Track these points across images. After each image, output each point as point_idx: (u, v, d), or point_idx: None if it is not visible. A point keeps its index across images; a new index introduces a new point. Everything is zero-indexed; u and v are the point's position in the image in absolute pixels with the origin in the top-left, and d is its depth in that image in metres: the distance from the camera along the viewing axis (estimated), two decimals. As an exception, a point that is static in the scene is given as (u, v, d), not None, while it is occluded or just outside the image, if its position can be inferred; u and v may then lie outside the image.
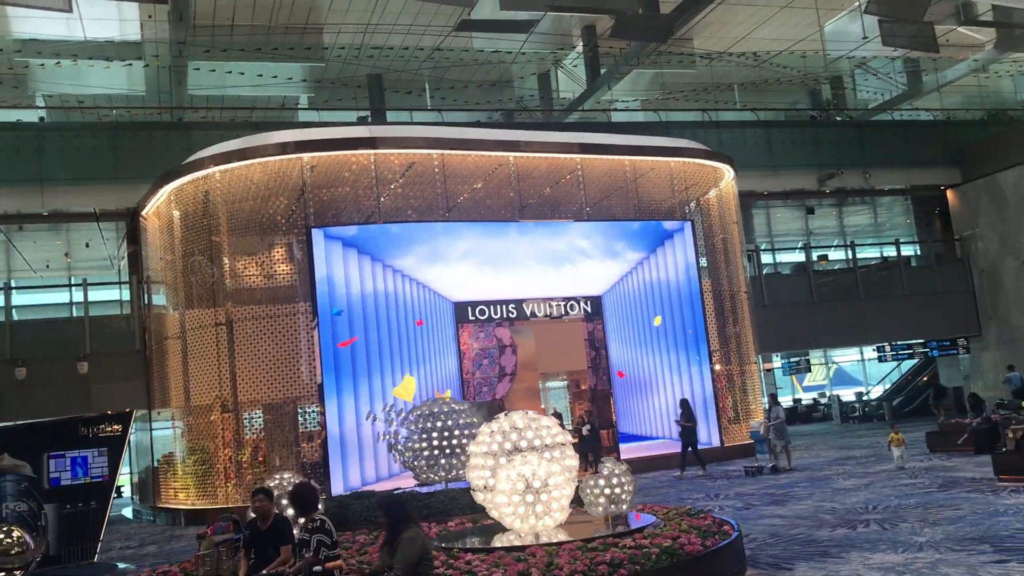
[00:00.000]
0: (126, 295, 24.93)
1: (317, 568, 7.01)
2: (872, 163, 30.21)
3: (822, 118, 33.26)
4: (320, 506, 7.91)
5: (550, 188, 22.55)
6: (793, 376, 42.17)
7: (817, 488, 15.53)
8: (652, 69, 31.57)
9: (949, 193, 31.99)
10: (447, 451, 11.97)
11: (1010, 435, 14.60)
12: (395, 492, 11.05)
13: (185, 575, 8.83)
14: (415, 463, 12.11)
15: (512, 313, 21.82)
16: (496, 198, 21.99)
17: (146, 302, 23.11)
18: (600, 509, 9.35)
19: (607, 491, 9.28)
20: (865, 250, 36.53)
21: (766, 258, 33.87)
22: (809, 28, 28.88)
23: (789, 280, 31.21)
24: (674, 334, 23.05)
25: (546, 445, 8.98)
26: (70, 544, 13.71)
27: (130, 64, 26.44)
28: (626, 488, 9.35)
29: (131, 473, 24.58)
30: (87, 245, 26.42)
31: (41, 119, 26.31)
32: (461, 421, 12.16)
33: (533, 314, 21.91)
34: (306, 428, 19.35)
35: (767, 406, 20.43)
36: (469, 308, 21.65)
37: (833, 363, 44.89)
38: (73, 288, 26.32)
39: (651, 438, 23.29)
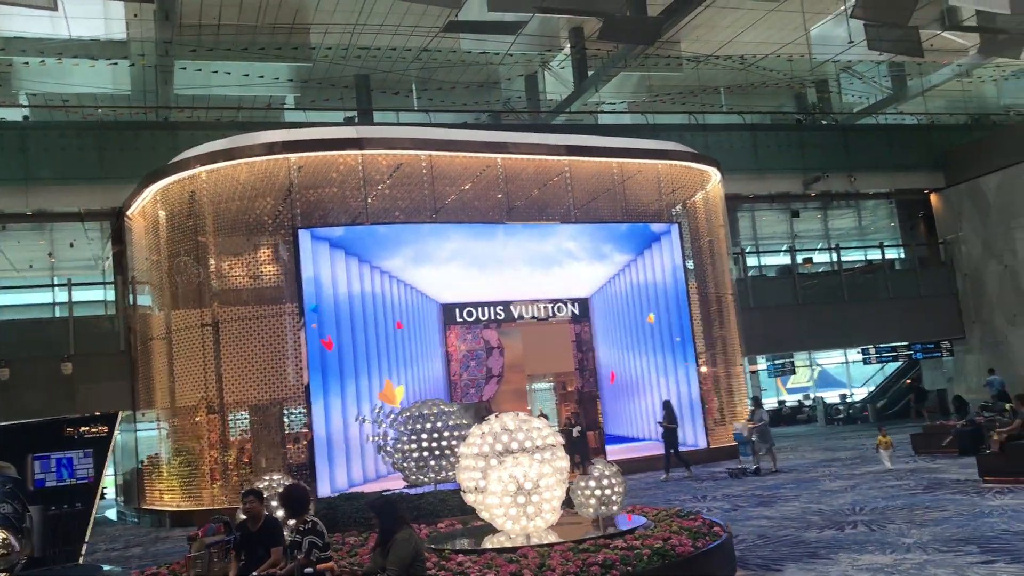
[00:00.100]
0: (111, 295, 24.77)
1: (308, 570, 6.99)
2: (857, 167, 30.39)
3: (808, 122, 33.43)
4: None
5: (538, 190, 22.57)
6: (777, 378, 42.35)
7: (804, 489, 15.59)
8: (639, 71, 31.64)
9: (933, 197, 32.21)
10: (436, 452, 11.95)
11: (995, 437, 14.71)
12: (385, 493, 11.02)
13: (174, 577, 8.77)
14: (404, 464, 12.08)
15: (500, 315, 21.82)
16: (484, 200, 21.98)
17: (131, 302, 22.96)
18: (591, 510, 9.35)
19: (598, 492, 9.29)
20: (850, 253, 36.74)
21: (751, 261, 33.98)
22: (795, 32, 29.02)
23: (774, 283, 31.35)
24: (661, 336, 23.11)
25: (537, 447, 9.00)
26: (55, 546, 13.57)
27: (115, 63, 26.27)
28: (616, 490, 9.36)
29: (115, 475, 24.41)
30: (71, 245, 26.23)
31: (25, 118, 26.14)
32: (451, 423, 12.14)
33: (520, 316, 21.91)
34: (292, 430, 19.28)
35: (751, 408, 20.52)
36: (457, 310, 21.64)
37: (817, 365, 45.10)
38: (57, 288, 26.13)
39: (638, 440, 23.32)
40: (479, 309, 21.69)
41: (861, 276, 32.83)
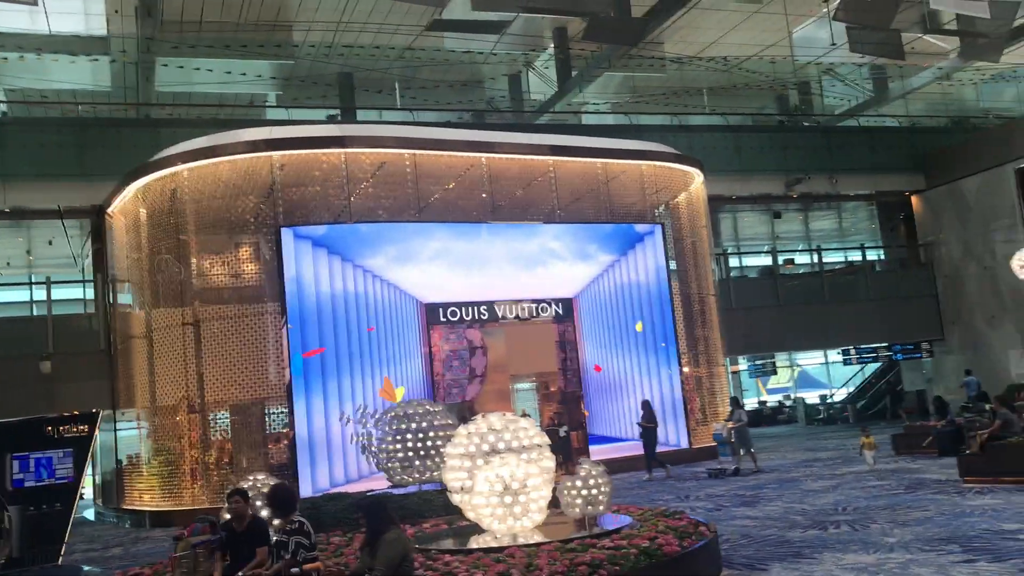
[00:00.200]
0: (90, 294, 24.54)
1: (295, 570, 6.94)
2: (838, 168, 30.57)
3: (790, 123, 33.59)
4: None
5: (522, 190, 22.55)
6: (758, 379, 42.55)
7: (786, 489, 15.66)
8: (623, 72, 31.68)
9: (914, 199, 32.46)
10: (421, 452, 11.90)
11: (976, 438, 14.84)
12: (369, 494, 10.97)
13: (157, 577, 8.69)
14: (389, 465, 12.03)
15: (483, 315, 21.79)
16: (468, 199, 21.94)
17: (111, 301, 22.76)
18: (577, 510, 9.34)
19: (584, 492, 9.28)
20: (831, 254, 36.95)
21: (733, 262, 34.11)
22: (778, 34, 29.12)
23: (756, 283, 31.49)
24: (644, 337, 23.14)
25: (524, 446, 8.98)
26: (34, 547, 13.44)
27: (96, 59, 26.03)
28: (603, 489, 9.36)
29: (93, 474, 24.20)
30: (50, 243, 25.99)
31: (4, 114, 25.85)
32: (436, 423, 12.10)
33: (504, 316, 21.88)
34: (273, 430, 19.18)
35: (730, 408, 20.61)
36: (440, 309, 21.59)
37: (797, 366, 45.33)
38: (35, 286, 25.86)
39: (621, 440, 23.34)
40: (463, 309, 21.65)
41: (842, 277, 33.04)
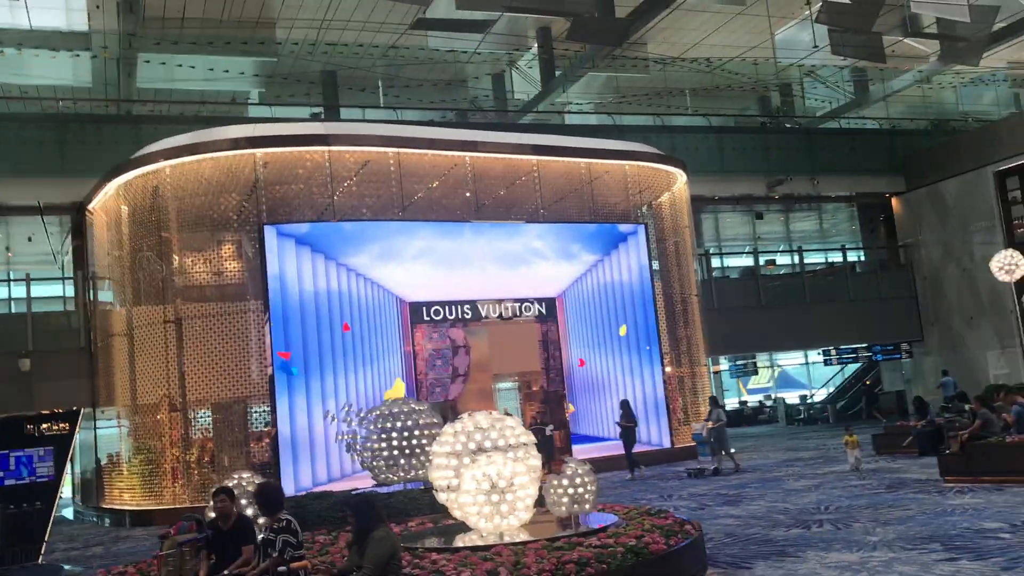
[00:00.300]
0: (70, 291, 24.34)
1: (282, 568, 6.91)
2: (820, 170, 30.75)
3: (772, 125, 33.76)
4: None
5: (506, 189, 22.56)
6: (738, 379, 42.78)
7: (768, 489, 15.74)
8: (606, 72, 31.76)
9: (894, 201, 32.71)
10: (407, 451, 11.89)
11: (956, 437, 14.97)
12: (355, 492, 10.95)
13: (142, 576, 8.64)
14: (374, 463, 12.01)
15: (467, 314, 21.77)
16: (452, 198, 21.93)
17: (92, 298, 22.58)
18: (563, 509, 9.36)
19: (571, 491, 9.30)
20: (812, 255, 37.17)
21: (714, 262, 34.27)
22: (760, 36, 29.27)
23: (738, 284, 31.62)
24: (627, 336, 23.18)
25: (510, 445, 8.98)
26: (14, 545, 13.36)
27: (77, 55, 25.82)
28: (589, 488, 9.38)
29: (72, 473, 24.00)
30: (30, 239, 25.74)
31: (-18, 109, 25.59)
32: (421, 421, 12.09)
33: (487, 315, 21.88)
34: (255, 428, 19.09)
35: (709, 408, 20.69)
36: (423, 308, 21.56)
37: (777, 366, 45.60)
38: (14, 283, 25.60)
39: (604, 439, 23.37)
40: (446, 308, 21.63)
41: (823, 278, 33.25)
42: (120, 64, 25.84)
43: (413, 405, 12.42)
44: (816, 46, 26.98)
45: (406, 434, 11.97)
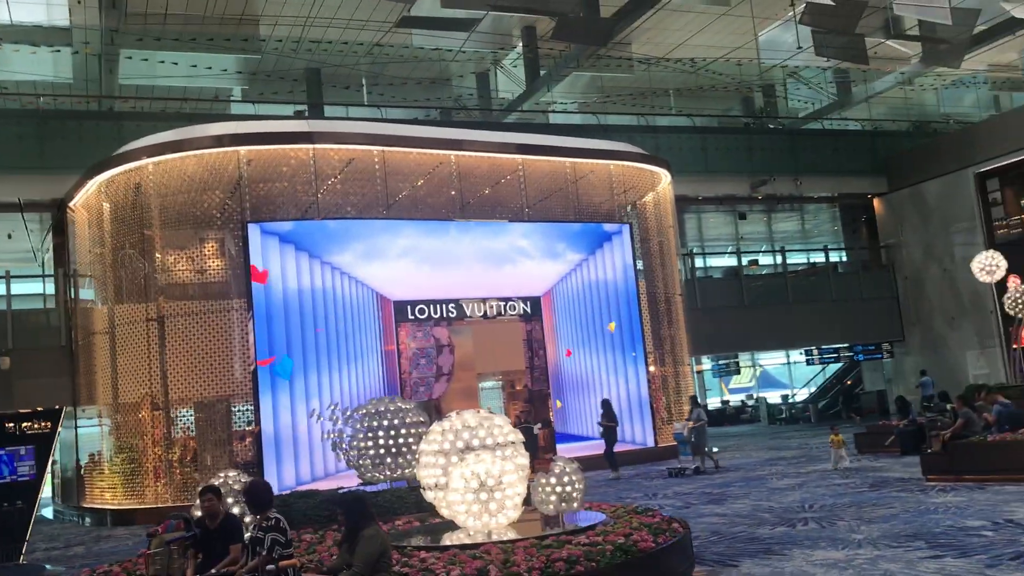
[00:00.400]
0: (51, 289, 24.11)
1: (271, 567, 6.86)
2: (803, 171, 30.94)
3: (755, 126, 33.91)
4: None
5: (491, 188, 22.54)
6: (720, 378, 42.94)
7: (752, 488, 15.79)
8: (590, 72, 31.81)
9: (875, 201, 32.94)
10: (393, 450, 11.85)
11: (938, 437, 15.07)
12: (342, 491, 10.90)
13: (128, 575, 8.55)
14: (360, 462, 11.96)
15: (452, 313, 21.75)
16: (437, 196, 21.90)
17: (72, 296, 22.38)
18: (551, 507, 9.35)
19: (559, 489, 9.29)
20: (794, 256, 37.36)
21: (697, 262, 34.38)
22: (744, 37, 29.40)
23: (721, 284, 31.75)
24: (612, 335, 23.21)
25: (498, 443, 8.97)
26: (-6, 545, 13.23)
27: (58, 50, 25.60)
28: (577, 487, 9.37)
29: (52, 472, 23.77)
30: (9, 236, 25.50)
31: (-38, 105, 25.35)
32: (407, 420, 12.05)
33: (472, 314, 21.86)
34: (239, 427, 18.99)
35: (689, 408, 20.75)
36: (408, 307, 21.51)
37: (759, 366, 45.81)
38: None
39: (588, 438, 23.41)
40: (431, 306, 21.60)
41: (805, 278, 33.43)
42: (102, 60, 25.65)
43: (399, 404, 12.38)
44: (800, 47, 27.10)
45: (392, 433, 11.93)
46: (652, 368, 23.32)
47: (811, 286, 32.16)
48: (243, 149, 19.01)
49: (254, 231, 18.77)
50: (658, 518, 9.39)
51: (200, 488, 8.24)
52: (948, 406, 18.24)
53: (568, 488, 9.33)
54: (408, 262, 20.64)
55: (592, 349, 23.62)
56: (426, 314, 21.56)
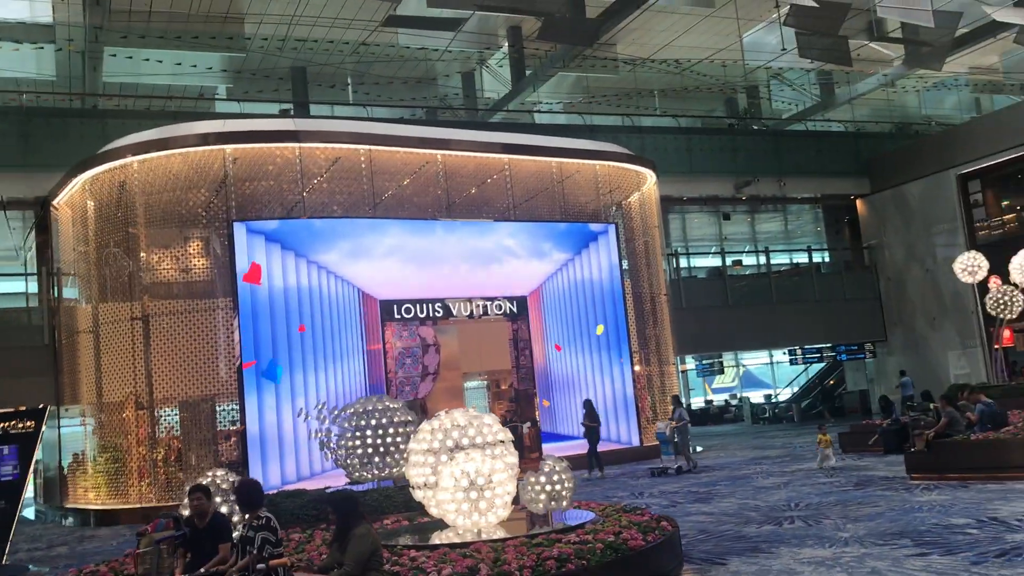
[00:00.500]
0: (33, 287, 23.93)
1: (261, 566, 6.85)
2: (786, 172, 31.12)
3: (739, 127, 34.07)
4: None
5: (477, 187, 22.54)
6: (703, 378, 43.10)
7: (738, 487, 15.86)
8: (576, 72, 31.87)
9: (858, 202, 33.16)
10: (381, 449, 11.84)
11: (921, 435, 15.20)
12: (327, 490, 10.89)
13: (115, 575, 8.51)
14: (348, 461, 11.94)
15: (438, 312, 21.74)
16: (423, 195, 21.87)
17: (56, 295, 22.21)
18: (540, 506, 9.37)
19: (548, 488, 9.31)
20: (778, 256, 37.55)
21: (682, 262, 34.51)
22: (729, 38, 29.53)
23: (705, 284, 31.87)
24: (598, 335, 23.25)
25: (488, 442, 8.98)
26: (-23, 546, 13.10)
27: (41, 47, 25.42)
28: (566, 485, 9.40)
29: (34, 472, 23.57)
30: (-9, 234, 25.34)
31: (-57, 101, 25.12)
32: (395, 419, 12.05)
33: (458, 313, 21.86)
34: (225, 427, 18.90)
35: (672, 407, 20.81)
36: (394, 306, 21.48)
37: (742, 366, 46.01)
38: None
39: (574, 438, 23.46)
40: (417, 306, 21.58)
41: (788, 279, 33.62)
42: (85, 57, 25.49)
43: (387, 403, 12.37)
44: (784, 49, 27.26)
45: (380, 432, 11.92)
46: (637, 367, 23.39)
47: (794, 286, 32.35)
48: (229, 147, 18.94)
49: (240, 230, 18.70)
50: (647, 516, 9.44)
51: (189, 487, 8.20)
52: (931, 405, 18.38)
53: (557, 487, 9.36)
54: (394, 261, 20.62)
55: (578, 348, 23.67)
56: (412, 313, 21.55)
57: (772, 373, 43.14)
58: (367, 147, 20.06)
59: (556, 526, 9.02)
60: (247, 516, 7.14)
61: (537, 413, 22.83)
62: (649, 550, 8.23)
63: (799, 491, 14.50)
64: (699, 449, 23.83)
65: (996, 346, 23.51)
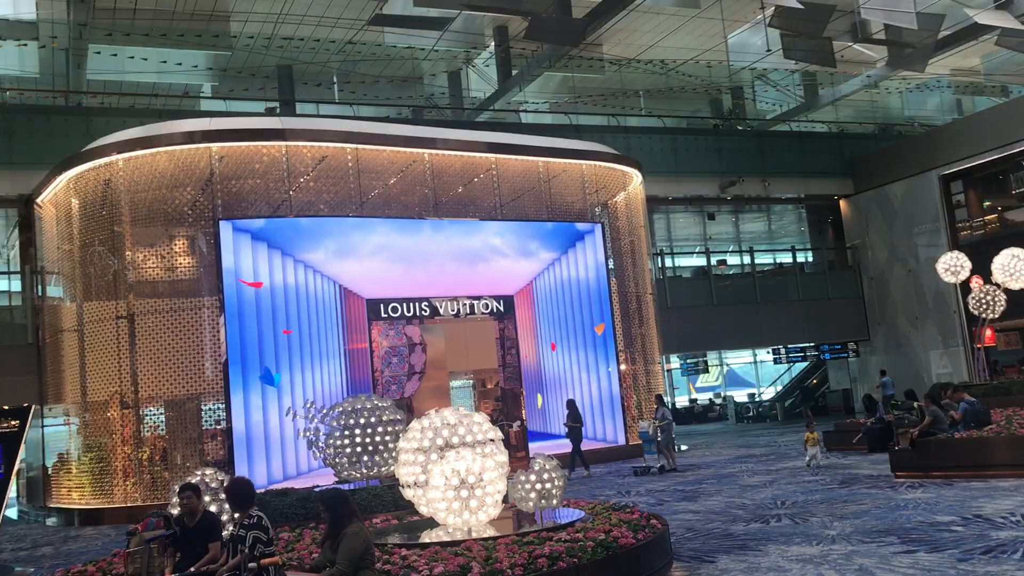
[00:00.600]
0: (16, 286, 23.76)
1: (252, 564, 6.84)
2: (770, 172, 31.29)
3: (724, 127, 34.22)
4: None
5: (464, 186, 22.55)
6: (687, 377, 43.25)
7: (724, 485, 15.95)
8: (562, 72, 31.92)
9: (842, 203, 33.38)
10: (370, 448, 11.84)
11: (905, 434, 15.32)
12: (316, 488, 10.88)
13: (103, 574, 8.48)
14: (337, 460, 11.93)
15: (425, 311, 21.73)
16: (410, 194, 21.86)
17: (40, 294, 22.07)
18: (530, 504, 9.39)
19: (538, 487, 9.33)
20: (762, 256, 37.74)
21: (667, 262, 34.62)
22: (714, 39, 29.66)
23: (690, 283, 32.01)
24: (583, 334, 23.31)
25: (478, 441, 8.99)
26: (-38, 545, 13.02)
27: (24, 44, 25.23)
28: (557, 484, 9.42)
29: (16, 472, 23.40)
30: (-27, 232, 25.15)
31: (-75, 99, 24.93)
32: (384, 418, 12.05)
33: (445, 312, 21.86)
34: (210, 425, 18.83)
35: (655, 406, 20.88)
36: (381, 305, 21.46)
37: (725, 365, 46.21)
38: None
39: (560, 436, 23.49)
40: (404, 305, 21.56)
41: (772, 278, 33.80)
42: (69, 55, 25.32)
43: (376, 402, 12.37)
44: (768, 50, 27.39)
45: (369, 431, 11.91)
46: (623, 366, 23.46)
47: (778, 286, 32.53)
48: (215, 146, 18.88)
49: (226, 228, 18.65)
50: (637, 515, 9.47)
51: (179, 486, 8.18)
52: (915, 404, 18.51)
53: (548, 485, 9.38)
54: (381, 260, 20.60)
55: (564, 347, 23.72)
56: (399, 312, 21.53)
57: (756, 372, 43.35)
58: (354, 146, 20.04)
59: (547, 524, 9.04)
60: (238, 515, 7.12)
61: (523, 412, 22.82)
62: (640, 548, 8.27)
63: (785, 489, 14.59)
64: (683, 448, 23.94)
65: (978, 346, 23.68)
